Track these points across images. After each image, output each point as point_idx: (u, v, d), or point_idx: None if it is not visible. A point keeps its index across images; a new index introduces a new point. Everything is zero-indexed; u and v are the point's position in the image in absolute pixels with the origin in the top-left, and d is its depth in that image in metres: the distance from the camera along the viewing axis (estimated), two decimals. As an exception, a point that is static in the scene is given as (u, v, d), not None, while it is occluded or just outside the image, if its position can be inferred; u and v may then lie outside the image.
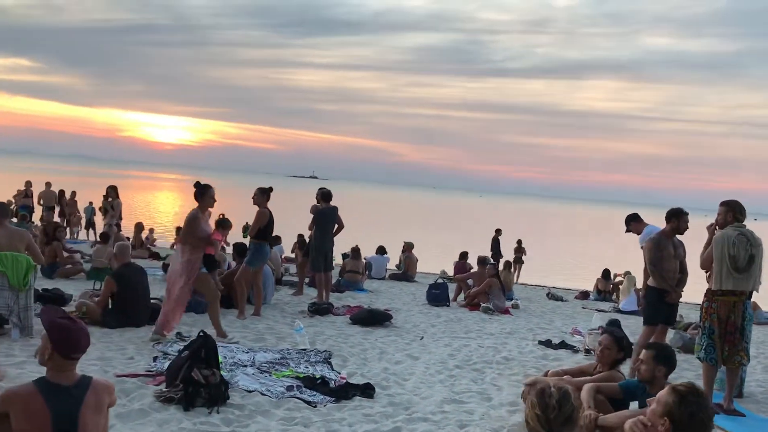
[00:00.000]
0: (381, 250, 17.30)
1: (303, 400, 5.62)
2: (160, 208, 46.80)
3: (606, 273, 17.43)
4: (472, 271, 18.35)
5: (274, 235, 10.43)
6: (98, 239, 13.06)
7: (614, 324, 8.97)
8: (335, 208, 11.08)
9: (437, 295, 12.30)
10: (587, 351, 8.63)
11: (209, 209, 7.82)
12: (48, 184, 21.65)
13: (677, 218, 7.45)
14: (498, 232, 22.25)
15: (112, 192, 14.03)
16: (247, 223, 10.10)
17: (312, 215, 11.23)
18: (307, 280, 12.77)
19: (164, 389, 5.47)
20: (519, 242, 23.10)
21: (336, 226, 10.95)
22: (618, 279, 17.86)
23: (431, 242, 30.99)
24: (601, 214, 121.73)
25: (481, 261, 13.14)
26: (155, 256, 17.08)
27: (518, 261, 22.05)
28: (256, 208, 9.51)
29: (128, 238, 15.46)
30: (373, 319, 9.48)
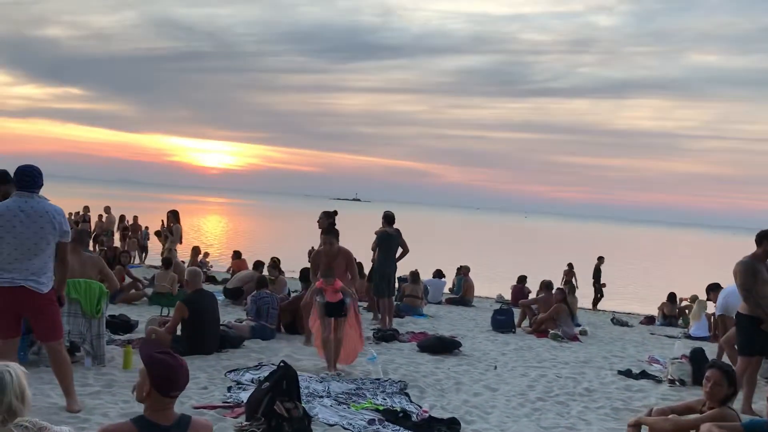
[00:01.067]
0: (438, 274, 16.99)
1: (389, 436, 5.35)
2: (210, 232, 47.33)
3: (672, 297, 16.78)
4: (536, 296, 17.96)
5: None
6: (160, 264, 13.01)
7: (699, 353, 8.47)
8: (398, 231, 10.87)
9: (502, 321, 11.93)
10: (671, 381, 8.17)
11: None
12: (107, 209, 21.93)
13: None
14: (600, 260, 21.46)
15: (172, 217, 14.04)
16: (312, 247, 9.93)
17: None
18: (364, 304, 12.53)
19: (245, 423, 5.26)
20: (570, 265, 22.40)
21: (400, 250, 10.73)
22: (684, 303, 17.22)
23: (482, 264, 30.46)
24: (650, 235, 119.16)
25: (547, 286, 12.72)
26: (212, 279, 17.07)
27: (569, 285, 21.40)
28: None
29: (183, 262, 15.46)
30: (443, 346, 9.17)
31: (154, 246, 19.99)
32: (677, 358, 8.65)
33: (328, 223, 9.39)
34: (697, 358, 8.40)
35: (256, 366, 7.40)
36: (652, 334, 13.95)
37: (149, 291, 12.30)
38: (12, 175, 5.40)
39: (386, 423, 5.63)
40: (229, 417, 5.56)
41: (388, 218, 11.00)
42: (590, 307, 20.38)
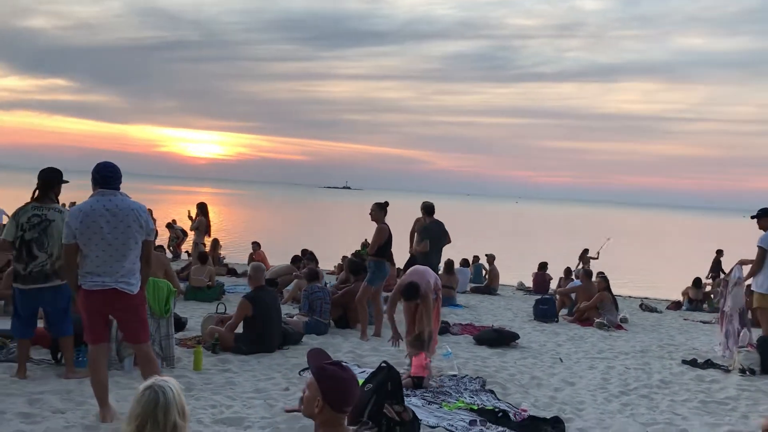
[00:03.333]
0: (465, 263, 16.80)
1: (497, 437, 5.15)
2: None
3: (697, 281, 16.71)
4: (560, 283, 17.83)
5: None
6: (195, 258, 12.67)
7: (765, 341, 8.33)
8: (441, 223, 10.64)
9: (545, 311, 11.76)
10: (741, 371, 8.01)
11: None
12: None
13: None
14: (719, 253, 20.91)
15: (199, 210, 13.73)
16: (366, 239, 9.69)
17: (417, 231, 10.81)
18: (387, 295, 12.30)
19: (349, 427, 5.03)
20: (585, 251, 22.28)
21: (444, 240, 10.52)
22: (708, 288, 17.15)
23: (488, 251, 30.32)
24: (641, 219, 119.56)
25: (587, 274, 12.56)
26: (233, 272, 16.81)
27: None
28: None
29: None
30: (502, 339, 8.99)
31: (162, 239, 19.57)
32: (743, 347, 8.51)
33: (382, 214, 9.13)
34: (764, 346, 8.27)
35: (327, 364, 7.16)
36: (685, 320, 13.85)
37: (183, 286, 12.02)
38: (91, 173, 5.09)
39: (489, 424, 5.42)
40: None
41: (429, 209, 10.77)
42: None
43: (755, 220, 9.02)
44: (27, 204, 6.01)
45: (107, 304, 4.97)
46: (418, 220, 11.19)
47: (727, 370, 8.18)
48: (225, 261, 18.89)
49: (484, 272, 19.29)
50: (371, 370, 6.94)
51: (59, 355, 6.49)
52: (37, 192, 6.02)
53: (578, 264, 20.89)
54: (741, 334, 8.86)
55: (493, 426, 5.40)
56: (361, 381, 6.41)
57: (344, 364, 3.10)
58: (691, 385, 7.36)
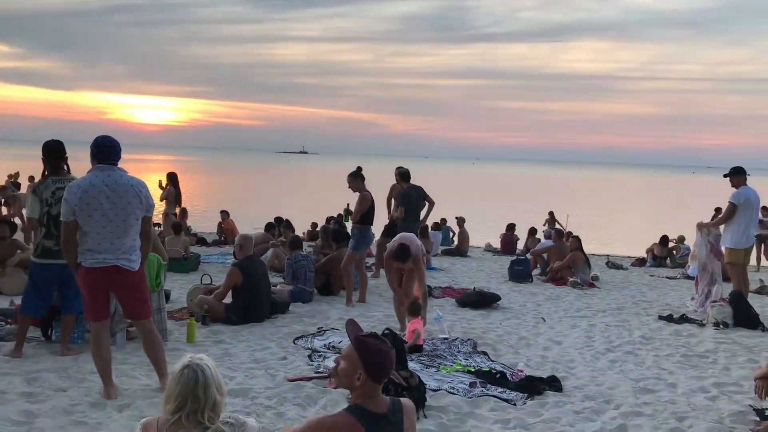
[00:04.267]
0: (435, 227, 16.92)
1: (499, 398, 5.28)
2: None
3: (664, 239, 17.14)
4: (526, 243, 18.14)
5: None
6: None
7: (738, 296, 8.66)
8: (419, 188, 10.69)
9: (520, 272, 11.97)
10: (715, 324, 8.33)
11: None
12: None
13: None
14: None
15: (169, 180, 13.50)
16: (348, 204, 9.65)
17: (393, 197, 10.86)
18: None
19: (356, 394, 5.11)
20: (551, 213, 22.58)
21: (427, 204, 10.59)
22: (671, 245, 17.63)
23: (450, 214, 30.63)
24: (593, 176, 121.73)
25: (559, 234, 12.79)
26: (202, 241, 16.67)
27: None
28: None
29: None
30: (484, 301, 9.16)
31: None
32: (716, 301, 8.83)
33: (359, 181, 9.13)
34: (736, 300, 8.60)
35: (320, 331, 7.23)
36: (651, 276, 14.24)
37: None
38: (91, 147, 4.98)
39: (488, 385, 5.56)
40: (330, 387, 5.40)
41: (404, 175, 10.82)
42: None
43: (728, 178, 9.31)
44: (46, 178, 5.84)
45: (108, 281, 4.91)
46: (394, 186, 11.23)
47: (701, 324, 8.49)
48: (192, 231, 18.70)
49: (451, 234, 19.49)
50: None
51: (50, 332, 6.41)
52: (49, 166, 5.85)
53: (544, 224, 21.21)
54: (714, 289, 9.19)
55: (493, 387, 5.54)
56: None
57: (381, 336, 3.12)
58: (671, 340, 7.63)
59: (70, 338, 6.09)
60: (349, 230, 9.59)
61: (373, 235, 9.56)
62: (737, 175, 9.28)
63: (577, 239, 12.28)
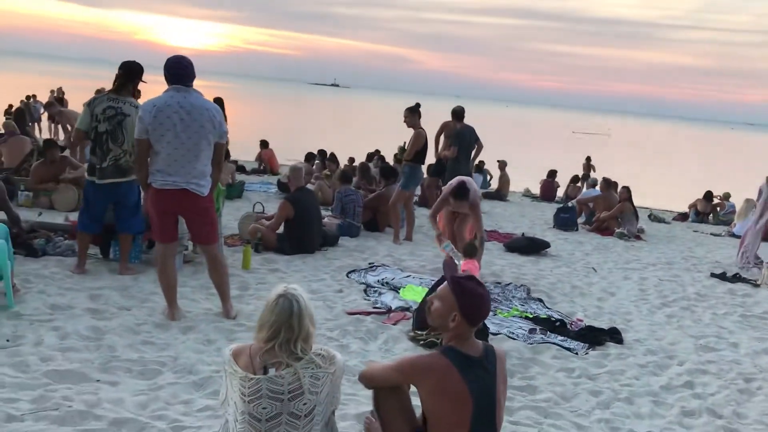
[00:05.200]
0: (477, 169, 16.70)
1: (561, 346, 5.23)
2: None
3: (708, 195, 16.80)
4: (567, 190, 17.90)
5: None
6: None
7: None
8: (472, 129, 10.45)
9: (566, 219, 11.80)
10: (772, 286, 8.17)
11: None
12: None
13: None
14: None
15: (217, 104, 13.35)
16: (404, 142, 9.44)
17: (445, 135, 10.64)
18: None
19: (418, 331, 5.09)
20: (588, 159, 22.14)
21: (476, 146, 10.38)
22: (716, 201, 17.26)
23: (485, 157, 30.24)
24: (629, 126, 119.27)
25: (608, 183, 12.54)
26: (241, 169, 16.64)
27: (586, 179, 21.03)
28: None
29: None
30: (533, 247, 9.05)
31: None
32: (772, 262, 8.64)
33: (416, 118, 8.93)
34: (794, 262, 8.40)
35: (372, 267, 7.21)
36: (695, 231, 13.99)
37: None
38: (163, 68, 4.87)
39: (548, 332, 5.50)
40: (388, 323, 5.38)
41: (458, 114, 10.54)
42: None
43: None
44: (102, 94, 5.78)
45: (177, 204, 4.87)
46: (446, 124, 10.97)
47: (755, 285, 8.33)
48: (232, 158, 18.65)
49: (489, 177, 19.28)
50: (416, 275, 7.03)
51: (109, 251, 6.44)
52: (116, 83, 5.77)
53: (582, 172, 20.82)
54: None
55: (553, 334, 5.48)
56: (409, 286, 6.48)
57: (477, 279, 3.03)
58: (726, 299, 7.50)
59: (128, 257, 6.11)
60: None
61: (423, 173, 9.40)
62: None
63: (627, 190, 12.02)
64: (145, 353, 4.33)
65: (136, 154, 4.90)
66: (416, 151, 8.84)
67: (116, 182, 5.72)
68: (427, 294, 5.33)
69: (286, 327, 2.84)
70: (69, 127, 12.54)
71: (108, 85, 6.17)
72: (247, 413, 2.81)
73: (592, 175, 21.57)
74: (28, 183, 8.83)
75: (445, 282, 2.97)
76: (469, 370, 2.85)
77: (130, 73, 5.75)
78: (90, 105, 5.66)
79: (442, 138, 10.97)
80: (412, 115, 9.02)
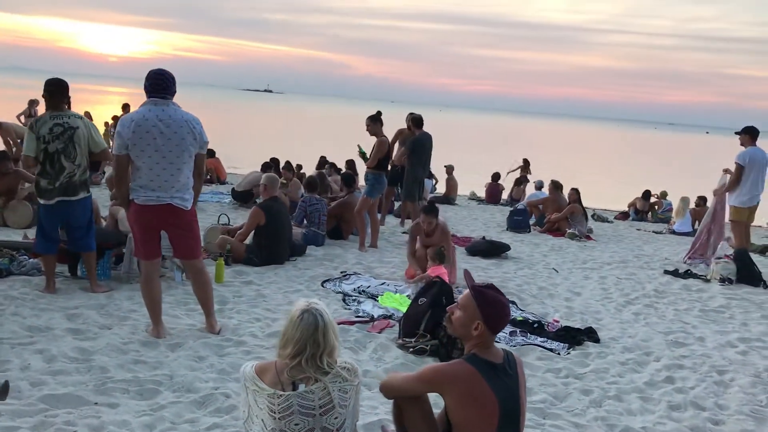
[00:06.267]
0: (428, 175, 16.87)
1: (543, 347, 5.37)
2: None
3: (647, 194, 17.44)
4: (512, 192, 18.30)
5: None
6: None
7: (742, 253, 8.90)
8: (430, 135, 10.59)
9: (519, 222, 12.07)
10: (721, 281, 8.55)
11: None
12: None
13: None
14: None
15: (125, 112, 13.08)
16: (359, 145, 9.45)
17: (397, 142, 10.75)
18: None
19: (406, 339, 5.14)
20: (525, 161, 22.54)
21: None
22: (653, 200, 17.93)
23: (435, 162, 30.56)
24: (558, 128, 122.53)
25: (556, 186, 12.89)
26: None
27: (524, 181, 21.40)
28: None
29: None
30: (494, 250, 9.23)
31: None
32: (721, 258, 9.06)
33: (378, 126, 9.00)
34: (741, 257, 8.83)
35: (345, 275, 7.22)
36: (638, 230, 14.50)
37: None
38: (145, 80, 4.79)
39: (529, 334, 5.64)
40: (373, 331, 5.42)
41: (418, 121, 10.64)
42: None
43: (738, 136, 9.47)
44: (44, 115, 5.62)
45: (161, 220, 4.79)
46: (401, 131, 11.08)
47: (706, 280, 8.71)
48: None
49: (435, 182, 19.53)
50: (390, 282, 7.09)
51: (77, 269, 6.27)
52: (52, 101, 5.63)
53: (519, 174, 21.10)
54: (720, 246, 9.42)
55: (533, 336, 5.63)
56: (387, 293, 6.53)
57: (496, 287, 3.10)
58: (683, 295, 7.82)
59: (95, 275, 5.96)
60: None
61: (386, 181, 9.47)
62: (746, 134, 9.41)
63: (576, 191, 12.40)
64: (139, 372, 4.24)
65: (116, 170, 4.80)
66: (379, 158, 8.91)
67: (67, 200, 5.59)
68: (415, 298, 5.39)
69: (312, 342, 2.86)
70: (10, 141, 12.07)
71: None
72: (278, 430, 2.81)
73: (530, 177, 21.94)
74: (-23, 199, 8.48)
75: (467, 291, 3.05)
76: (493, 377, 2.92)
77: (63, 89, 5.65)
78: (33, 128, 5.53)
79: (396, 145, 11.07)
80: (374, 123, 9.10)
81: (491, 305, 2.97)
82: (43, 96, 5.73)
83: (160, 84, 4.75)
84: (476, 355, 2.97)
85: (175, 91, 4.84)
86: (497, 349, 3.04)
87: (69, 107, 5.82)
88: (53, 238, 5.74)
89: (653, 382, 4.84)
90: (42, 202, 5.62)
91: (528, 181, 21.30)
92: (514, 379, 2.99)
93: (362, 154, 9.22)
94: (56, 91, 5.65)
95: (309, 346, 2.86)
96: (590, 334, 5.74)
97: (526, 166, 22.25)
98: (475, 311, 2.97)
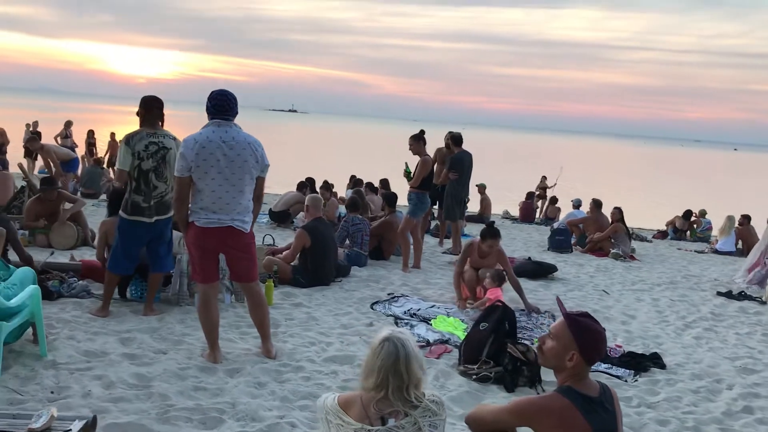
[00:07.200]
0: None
1: (608, 374, 5.18)
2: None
3: (688, 213, 17.11)
4: (545, 210, 18.08)
5: None
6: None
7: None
8: (470, 154, 10.46)
9: (561, 242, 11.86)
10: (777, 303, 8.29)
11: None
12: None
13: None
14: None
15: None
16: (406, 162, 9.38)
17: (439, 162, 10.63)
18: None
19: (468, 365, 4.97)
20: (543, 178, 22.17)
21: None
22: (693, 219, 17.58)
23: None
24: (584, 146, 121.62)
25: (597, 204, 12.66)
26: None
27: (542, 197, 20.97)
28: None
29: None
30: (542, 270, 9.04)
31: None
32: (776, 280, 8.79)
33: (421, 145, 8.90)
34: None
35: (393, 297, 7.08)
36: (679, 249, 14.20)
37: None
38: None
39: (592, 360, 5.44)
40: (431, 357, 5.26)
41: (457, 139, 10.53)
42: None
43: None
44: (140, 131, 5.56)
45: (220, 242, 4.70)
46: (439, 150, 10.96)
47: (762, 302, 8.44)
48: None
49: (466, 200, 19.31)
50: (440, 304, 6.93)
51: (126, 291, 6.20)
52: (147, 118, 5.57)
53: (536, 191, 20.76)
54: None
55: (599, 362, 5.42)
56: (440, 317, 6.37)
57: (591, 315, 2.94)
58: (741, 318, 7.58)
59: (153, 298, 5.89)
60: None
61: (429, 200, 9.34)
62: None
63: (619, 210, 12.16)
64: (200, 400, 4.12)
65: (177, 191, 4.71)
66: (423, 177, 8.79)
67: (162, 219, 5.53)
68: (477, 323, 5.23)
69: (393, 373, 2.71)
70: (51, 164, 12.16)
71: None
72: (366, 466, 2.66)
73: (549, 194, 21.32)
74: (23, 221, 8.49)
75: (560, 319, 2.89)
76: (591, 411, 2.75)
77: (159, 107, 5.60)
78: (128, 143, 5.46)
79: (436, 165, 10.95)
80: (417, 142, 8.99)
81: (587, 334, 2.81)
82: (137, 113, 5.64)
83: (223, 105, 4.68)
84: (571, 388, 2.80)
85: (237, 112, 4.77)
86: (593, 382, 2.87)
87: (162, 125, 5.73)
88: (134, 257, 5.67)
89: (731, 412, 4.61)
90: (132, 219, 5.51)
91: (546, 197, 20.76)
92: (612, 415, 2.82)
93: (407, 173, 9.11)
94: (152, 109, 5.60)
95: (391, 377, 2.72)
96: (655, 360, 5.52)
97: (542, 182, 21.77)
98: (571, 341, 2.80)
